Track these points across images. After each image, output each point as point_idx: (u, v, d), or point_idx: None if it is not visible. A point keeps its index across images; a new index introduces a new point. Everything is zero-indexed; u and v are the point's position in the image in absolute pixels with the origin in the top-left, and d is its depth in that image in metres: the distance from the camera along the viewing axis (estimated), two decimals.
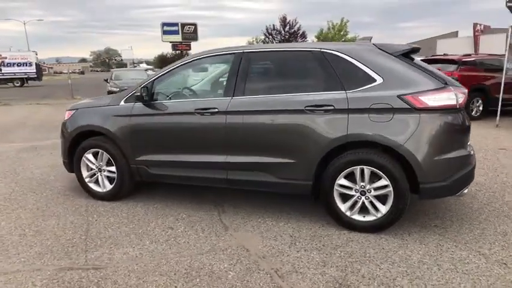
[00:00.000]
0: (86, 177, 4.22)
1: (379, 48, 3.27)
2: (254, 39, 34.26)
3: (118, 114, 3.96)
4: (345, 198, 3.29)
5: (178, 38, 31.71)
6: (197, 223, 3.57)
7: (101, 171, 4.14)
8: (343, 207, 3.28)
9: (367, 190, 3.18)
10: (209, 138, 3.60)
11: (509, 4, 13.70)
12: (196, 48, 36.36)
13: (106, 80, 17.39)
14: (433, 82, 3.08)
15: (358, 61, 3.21)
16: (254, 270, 2.73)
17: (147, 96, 3.72)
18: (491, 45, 63.17)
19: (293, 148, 3.32)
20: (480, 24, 65.83)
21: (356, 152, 3.16)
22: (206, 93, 4.17)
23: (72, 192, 4.51)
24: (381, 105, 3.06)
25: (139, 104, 3.86)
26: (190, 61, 3.84)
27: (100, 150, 4.05)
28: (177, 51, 33.45)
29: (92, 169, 4.20)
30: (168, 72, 3.89)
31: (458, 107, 3.09)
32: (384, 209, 3.16)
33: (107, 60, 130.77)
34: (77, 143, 4.19)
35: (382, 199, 3.18)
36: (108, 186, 4.14)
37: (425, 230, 3.31)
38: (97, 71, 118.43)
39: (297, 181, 3.37)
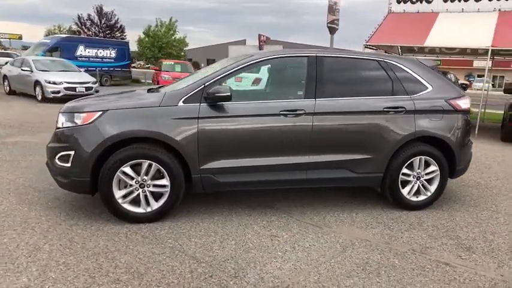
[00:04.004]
0: (118, 198, 3.33)
1: (420, 62, 4.10)
2: (57, 28, 29.62)
3: (180, 117, 3.34)
4: (404, 184, 3.97)
5: None
6: (286, 228, 3.50)
7: (143, 187, 3.36)
8: (404, 191, 3.95)
9: (422, 175, 3.97)
10: (294, 139, 3.58)
11: (329, 25, 17.30)
12: None
13: None
14: (456, 90, 4.13)
15: (413, 72, 3.95)
16: (408, 254, 3.08)
17: (219, 96, 3.33)
18: None
19: (371, 145, 3.75)
20: (263, 35, 77.24)
21: (417, 145, 3.89)
22: (275, 94, 3.95)
23: (87, 215, 3.45)
24: (436, 107, 3.90)
25: (209, 105, 3.39)
26: (259, 61, 3.65)
27: (147, 162, 3.30)
28: None
29: (128, 186, 3.35)
30: (235, 71, 3.56)
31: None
32: (432, 188, 4.02)
33: None
34: (105, 154, 3.25)
35: (430, 182, 4.03)
36: (155, 205, 3.41)
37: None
38: None
39: (372, 174, 3.83)
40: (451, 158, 4.00)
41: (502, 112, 9.65)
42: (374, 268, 2.85)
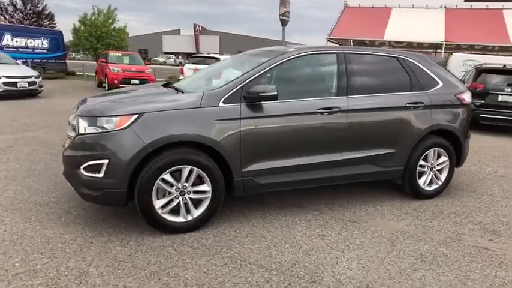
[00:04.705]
0: (158, 208, 3.07)
1: (430, 58, 4.32)
2: None
3: (222, 118, 3.15)
4: (420, 175, 4.18)
5: None
6: (327, 226, 3.51)
7: (183, 194, 3.14)
8: (420, 182, 4.18)
9: (434, 166, 4.22)
10: (330, 137, 3.59)
11: (281, 17, 17.43)
12: None
13: None
14: (461, 84, 4.43)
15: (426, 68, 4.15)
16: (449, 242, 3.27)
17: (265, 95, 3.20)
18: (208, 45, 73.75)
19: (396, 139, 3.89)
20: (199, 25, 75.50)
21: (432, 138, 4.11)
22: (309, 92, 3.80)
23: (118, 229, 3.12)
24: (447, 102, 4.15)
25: (247, 105, 3.24)
26: (296, 57, 3.54)
27: (188, 167, 3.07)
28: None
29: (166, 194, 3.11)
30: (271, 68, 3.43)
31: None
32: (443, 178, 4.30)
33: None
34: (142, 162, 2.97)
35: (441, 171, 4.30)
36: (196, 212, 3.20)
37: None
38: None
39: (396, 167, 3.98)
40: (458, 148, 4.30)
41: None
42: (430, 259, 2.98)
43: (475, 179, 5.20)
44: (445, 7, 10.81)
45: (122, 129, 2.94)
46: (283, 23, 17.45)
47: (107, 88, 14.52)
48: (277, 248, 3.03)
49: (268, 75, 3.44)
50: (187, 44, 71.62)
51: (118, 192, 2.97)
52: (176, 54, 64.51)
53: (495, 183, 5.04)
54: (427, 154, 4.12)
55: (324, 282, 2.61)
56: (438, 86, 4.16)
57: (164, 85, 4.35)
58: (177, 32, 79.35)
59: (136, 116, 2.97)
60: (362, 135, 3.74)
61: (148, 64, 17.36)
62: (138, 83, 14.84)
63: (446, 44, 9.35)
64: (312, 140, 3.54)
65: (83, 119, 3.09)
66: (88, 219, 3.41)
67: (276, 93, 3.17)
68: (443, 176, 4.29)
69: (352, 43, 13.44)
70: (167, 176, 3.04)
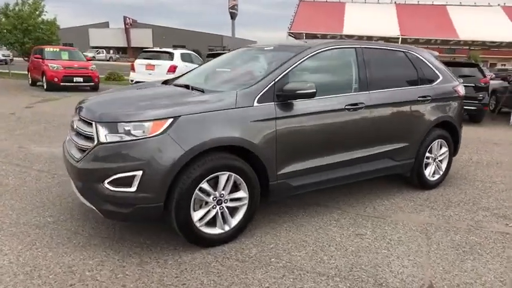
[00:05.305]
0: (196, 221, 2.78)
1: (430, 53, 4.45)
2: None
3: (259, 119, 2.92)
4: (425, 166, 4.32)
5: None
6: (359, 224, 3.47)
7: (220, 203, 2.88)
8: (426, 173, 4.32)
9: (437, 157, 4.39)
10: (357, 133, 3.55)
11: (230, 10, 17.12)
12: None
13: None
14: (455, 78, 4.64)
15: (429, 62, 4.28)
16: (473, 230, 3.40)
17: (303, 93, 3.03)
18: (141, 38, 70.54)
19: (408, 133, 3.97)
20: (129, 18, 71.71)
21: (436, 130, 4.26)
22: (333, 88, 3.57)
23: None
24: (447, 94, 4.32)
25: (280, 103, 3.05)
26: (319, 52, 3.40)
27: (226, 173, 2.82)
28: None
29: (203, 204, 2.83)
30: (299, 64, 3.26)
31: None
32: (443, 167, 4.49)
33: None
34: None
35: (442, 162, 4.48)
36: (233, 222, 2.96)
37: None
38: None
39: (407, 160, 4.06)
40: (456, 139, 4.52)
41: None
42: (469, 248, 3.07)
43: (459, 165, 5.52)
44: (395, 2, 11.40)
45: (156, 135, 2.59)
46: (233, 16, 17.20)
47: (45, 87, 13.14)
48: (325, 253, 2.91)
49: (299, 72, 3.27)
50: (117, 38, 67.78)
51: (154, 207, 2.62)
52: (106, 48, 60.74)
53: (477, 169, 5.40)
54: (432, 146, 4.26)
55: (390, 284, 2.54)
56: (439, 80, 4.32)
57: (163, 83, 3.98)
58: (105, 25, 74.57)
59: (171, 119, 2.64)
60: (382, 130, 3.75)
61: (90, 60, 16.04)
62: (82, 80, 13.67)
63: (402, 38, 9.88)
64: (341, 137, 3.46)
65: (103, 125, 2.67)
66: (104, 239, 2.99)
67: (315, 90, 3.01)
68: (443, 166, 4.49)
69: (304, 36, 13.64)
70: (205, 185, 2.76)
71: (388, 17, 10.70)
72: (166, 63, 12.12)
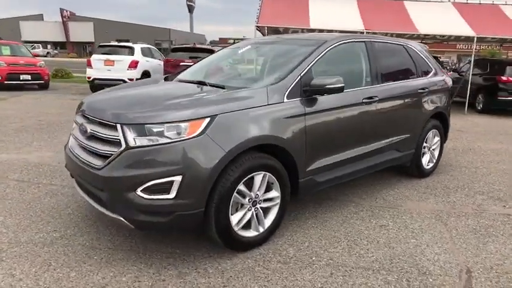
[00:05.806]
0: (234, 225, 2.65)
1: (423, 46, 4.62)
2: None
3: (290, 115, 2.84)
4: (422, 156, 4.51)
5: None
6: (377, 215, 3.53)
7: (255, 205, 2.77)
8: (423, 162, 4.50)
9: (431, 146, 4.60)
10: (373, 125, 3.60)
11: (188, 3, 16.58)
12: None
13: None
14: (442, 70, 4.87)
15: (422, 55, 4.44)
16: (479, 214, 3.60)
17: (331, 88, 2.99)
18: (81, 32, 66.48)
19: (411, 124, 4.10)
20: (67, 11, 67.16)
21: (431, 121, 4.45)
22: (347, 82, 3.49)
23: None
24: (440, 86, 4.52)
25: (306, 99, 2.99)
26: (337, 45, 3.38)
27: (261, 173, 2.71)
28: None
29: (239, 207, 2.70)
30: (321, 57, 3.21)
31: None
32: (436, 155, 4.72)
33: None
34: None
35: (435, 150, 4.70)
36: (266, 223, 2.87)
37: None
38: None
39: (409, 151, 4.20)
40: (446, 128, 4.76)
41: None
42: (484, 231, 3.25)
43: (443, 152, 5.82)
44: None
45: (194, 136, 2.41)
46: (190, 9, 16.74)
47: None
48: (360, 247, 2.92)
49: (319, 66, 3.22)
50: (54, 32, 63.29)
51: (195, 214, 2.44)
52: (42, 43, 56.45)
53: (457, 156, 5.76)
54: (427, 136, 4.45)
55: (432, 272, 2.61)
56: (432, 72, 4.51)
57: (165, 79, 3.76)
58: (39, 17, 69.13)
59: (209, 119, 2.47)
60: (391, 123, 3.84)
61: (37, 56, 14.78)
62: (30, 78, 12.56)
63: (367, 33, 10.19)
64: (359, 130, 3.49)
65: (130, 127, 2.43)
66: (129, 252, 2.75)
67: (343, 84, 2.98)
68: (436, 154, 4.71)
69: (267, 31, 13.63)
70: (242, 187, 2.63)
71: (351, 11, 11.00)
72: (127, 59, 11.50)
